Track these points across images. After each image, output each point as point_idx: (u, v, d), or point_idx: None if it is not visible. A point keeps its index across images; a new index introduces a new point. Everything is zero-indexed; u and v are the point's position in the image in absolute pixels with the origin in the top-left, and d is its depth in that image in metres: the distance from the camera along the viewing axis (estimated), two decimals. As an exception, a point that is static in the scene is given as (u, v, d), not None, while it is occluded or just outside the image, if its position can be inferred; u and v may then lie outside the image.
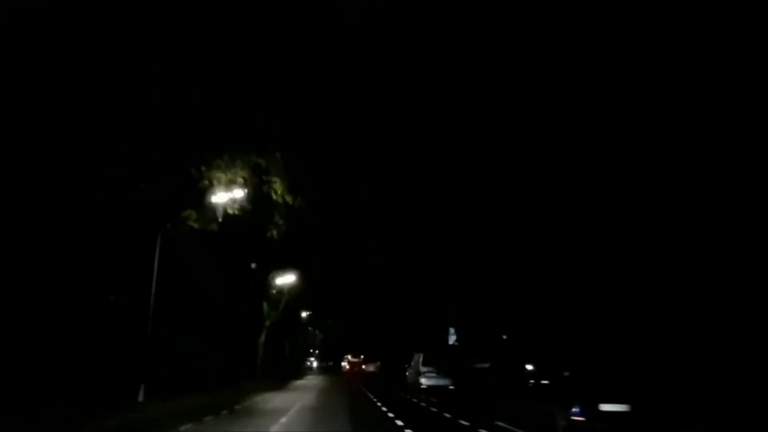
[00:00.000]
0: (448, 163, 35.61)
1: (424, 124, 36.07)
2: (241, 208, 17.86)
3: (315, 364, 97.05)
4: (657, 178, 19.52)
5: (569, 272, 25.82)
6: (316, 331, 74.09)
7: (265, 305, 35.75)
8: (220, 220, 17.36)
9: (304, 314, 58.08)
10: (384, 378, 57.57)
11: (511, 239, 31.09)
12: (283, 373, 48.66)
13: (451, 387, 30.32)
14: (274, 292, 34.76)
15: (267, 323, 35.88)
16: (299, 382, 43.18)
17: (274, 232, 23.01)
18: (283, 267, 33.28)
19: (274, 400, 23.89)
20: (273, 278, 33.60)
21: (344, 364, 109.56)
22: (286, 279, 34.34)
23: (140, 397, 17.07)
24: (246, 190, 17.82)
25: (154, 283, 17.07)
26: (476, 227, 35.77)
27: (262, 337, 35.70)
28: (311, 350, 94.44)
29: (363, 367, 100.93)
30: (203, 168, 17.38)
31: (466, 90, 28.53)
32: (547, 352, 27.45)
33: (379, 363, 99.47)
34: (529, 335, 34.37)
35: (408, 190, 46.19)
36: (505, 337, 39.28)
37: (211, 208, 17.35)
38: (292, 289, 36.69)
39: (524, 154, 27.75)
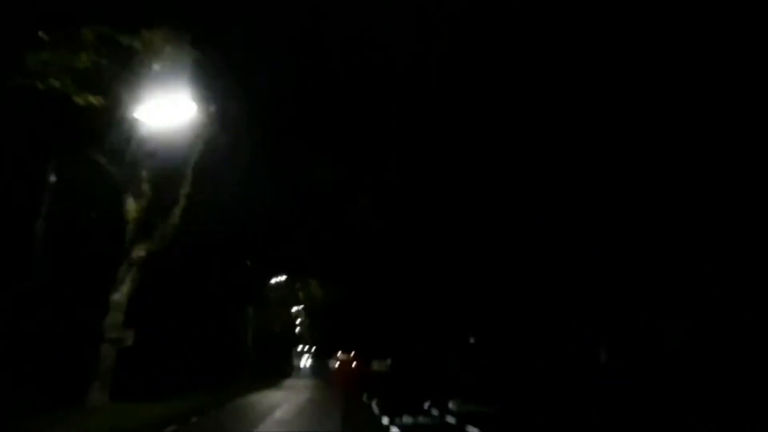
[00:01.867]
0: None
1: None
2: None
3: (309, 363, 76.42)
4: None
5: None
6: (301, 311, 51.33)
7: (130, 202, 13.40)
8: None
9: (273, 281, 35.82)
10: (402, 385, 35.08)
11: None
12: (234, 377, 26.58)
13: None
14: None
15: (138, 253, 13.48)
16: (252, 399, 20.69)
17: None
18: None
19: None
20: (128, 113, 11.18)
21: (333, 363, 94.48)
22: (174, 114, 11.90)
23: None
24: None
25: None
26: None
27: (124, 290, 13.22)
28: (306, 346, 74.33)
29: (353, 365, 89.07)
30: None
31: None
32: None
33: (389, 361, 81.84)
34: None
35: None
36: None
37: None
38: (205, 164, 14.34)
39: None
